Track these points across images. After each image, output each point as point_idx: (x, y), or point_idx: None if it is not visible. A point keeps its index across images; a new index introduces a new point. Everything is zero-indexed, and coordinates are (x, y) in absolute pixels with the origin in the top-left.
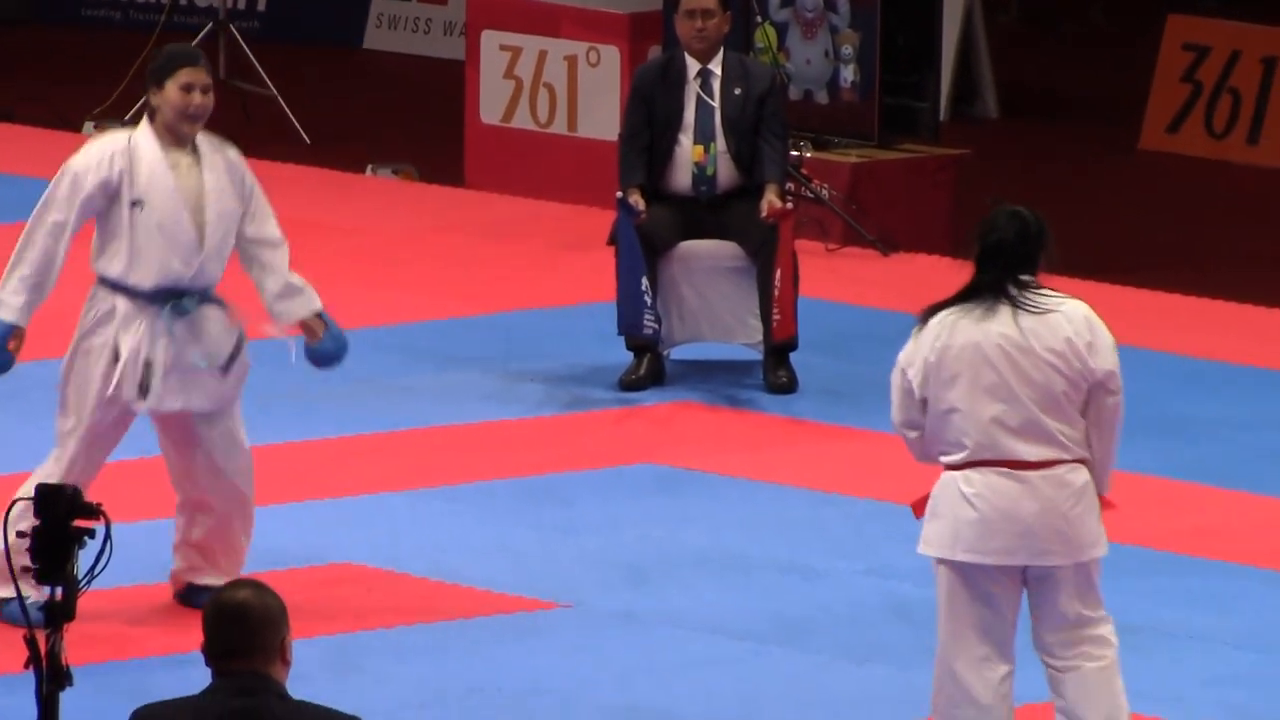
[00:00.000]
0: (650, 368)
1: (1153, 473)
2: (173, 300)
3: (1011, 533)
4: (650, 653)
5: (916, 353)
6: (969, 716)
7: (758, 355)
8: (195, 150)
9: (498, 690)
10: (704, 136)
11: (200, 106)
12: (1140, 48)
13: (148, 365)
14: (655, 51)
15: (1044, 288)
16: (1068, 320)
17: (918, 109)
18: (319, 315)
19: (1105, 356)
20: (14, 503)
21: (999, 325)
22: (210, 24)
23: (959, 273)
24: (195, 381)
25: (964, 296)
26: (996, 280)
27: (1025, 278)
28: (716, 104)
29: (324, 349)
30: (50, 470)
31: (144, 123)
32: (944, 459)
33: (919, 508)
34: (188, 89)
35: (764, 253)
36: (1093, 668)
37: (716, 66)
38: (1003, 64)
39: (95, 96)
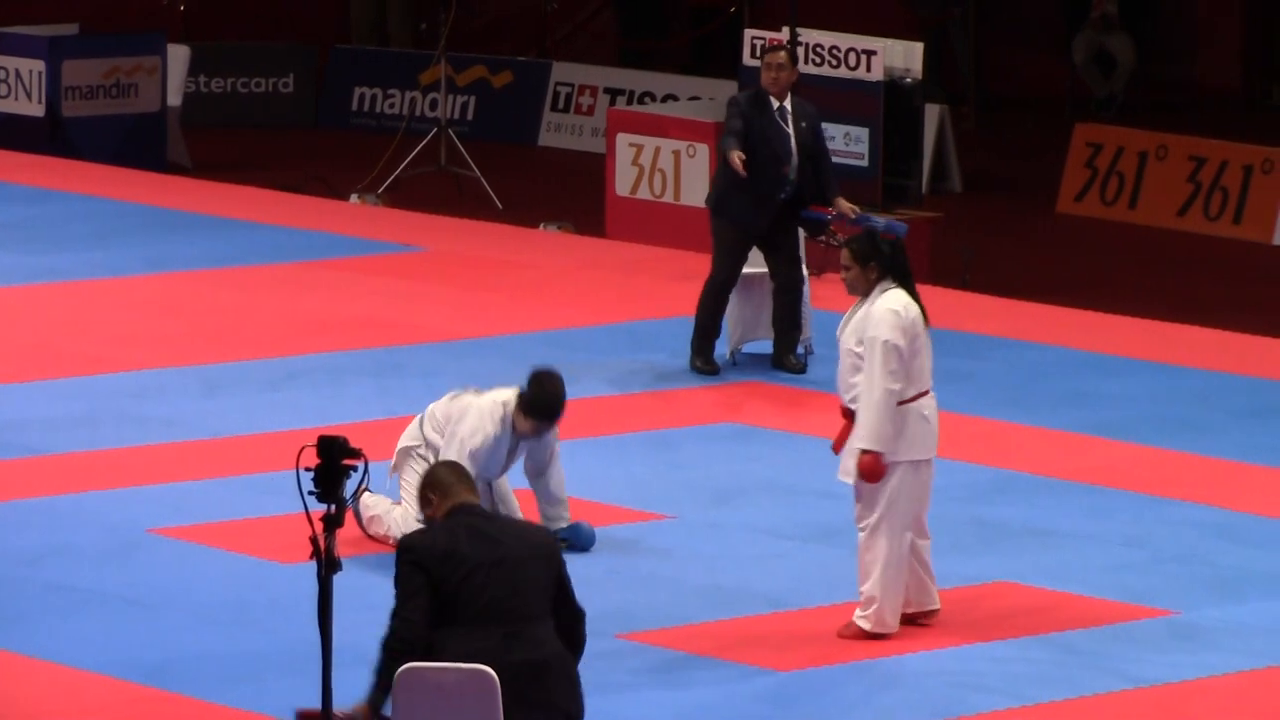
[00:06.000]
0: (709, 360)
1: (1061, 428)
2: None
3: None
4: (728, 549)
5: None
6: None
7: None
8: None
9: (626, 571)
10: (785, 153)
11: (543, 441)
12: (1057, 144)
13: None
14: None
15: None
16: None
17: (908, 185)
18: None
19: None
20: (302, 450)
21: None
22: (435, 128)
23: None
24: None
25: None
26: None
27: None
28: (791, 131)
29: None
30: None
31: (514, 409)
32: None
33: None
34: (537, 430)
35: (790, 281)
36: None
37: (788, 104)
38: (965, 155)
39: (357, 178)
